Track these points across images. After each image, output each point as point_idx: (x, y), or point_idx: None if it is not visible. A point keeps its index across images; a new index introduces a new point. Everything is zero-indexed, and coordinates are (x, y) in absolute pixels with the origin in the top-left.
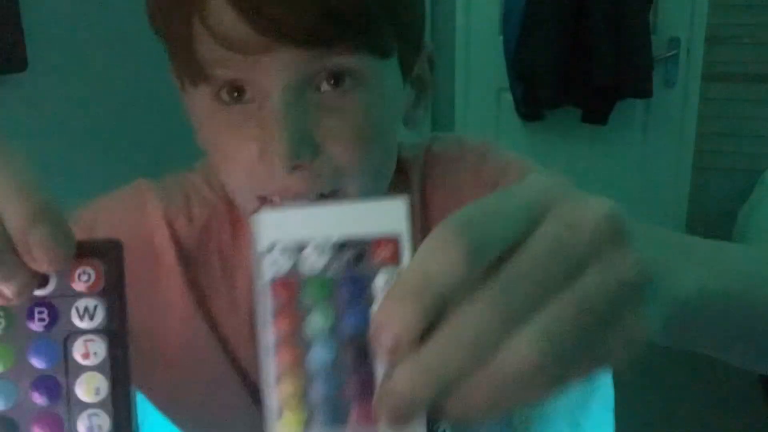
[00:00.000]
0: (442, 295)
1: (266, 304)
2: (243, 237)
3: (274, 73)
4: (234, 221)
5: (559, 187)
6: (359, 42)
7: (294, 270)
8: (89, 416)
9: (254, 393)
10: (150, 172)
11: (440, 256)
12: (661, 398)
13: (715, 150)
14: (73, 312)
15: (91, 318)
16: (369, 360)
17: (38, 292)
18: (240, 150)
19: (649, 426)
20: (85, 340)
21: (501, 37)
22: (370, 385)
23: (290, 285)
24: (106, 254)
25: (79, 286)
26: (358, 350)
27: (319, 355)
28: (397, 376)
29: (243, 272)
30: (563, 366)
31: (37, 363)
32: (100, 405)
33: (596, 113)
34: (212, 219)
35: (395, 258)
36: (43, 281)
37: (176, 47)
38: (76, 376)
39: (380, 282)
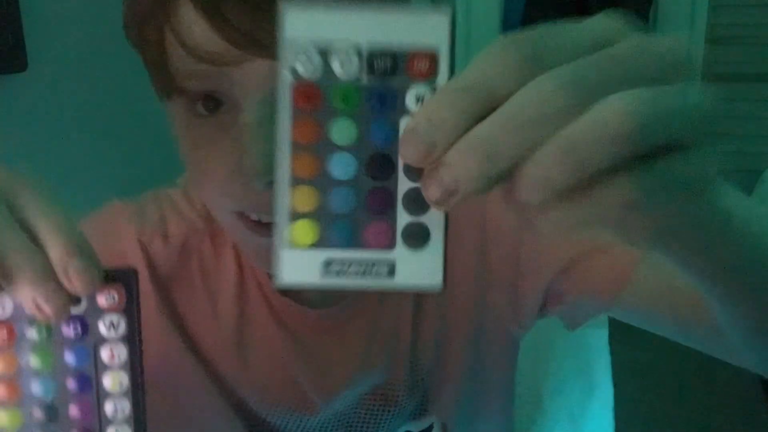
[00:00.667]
0: (494, 94)
1: (286, 106)
2: (225, 252)
3: (248, 84)
4: (214, 236)
5: (630, 27)
6: None
7: (320, 73)
8: (114, 403)
9: (238, 409)
10: (150, 171)
11: (498, 61)
12: (661, 398)
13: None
14: (101, 324)
15: (115, 329)
16: (392, 178)
17: (73, 311)
18: (214, 165)
19: (649, 426)
20: (111, 346)
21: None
22: (388, 205)
23: (315, 89)
24: (125, 279)
25: (105, 304)
26: (380, 167)
27: (338, 167)
28: (451, 154)
29: (226, 287)
30: (645, 132)
31: (73, 363)
32: (122, 395)
33: None
34: (190, 236)
35: (431, 72)
36: (76, 300)
37: (149, 59)
38: (104, 372)
39: (412, 95)
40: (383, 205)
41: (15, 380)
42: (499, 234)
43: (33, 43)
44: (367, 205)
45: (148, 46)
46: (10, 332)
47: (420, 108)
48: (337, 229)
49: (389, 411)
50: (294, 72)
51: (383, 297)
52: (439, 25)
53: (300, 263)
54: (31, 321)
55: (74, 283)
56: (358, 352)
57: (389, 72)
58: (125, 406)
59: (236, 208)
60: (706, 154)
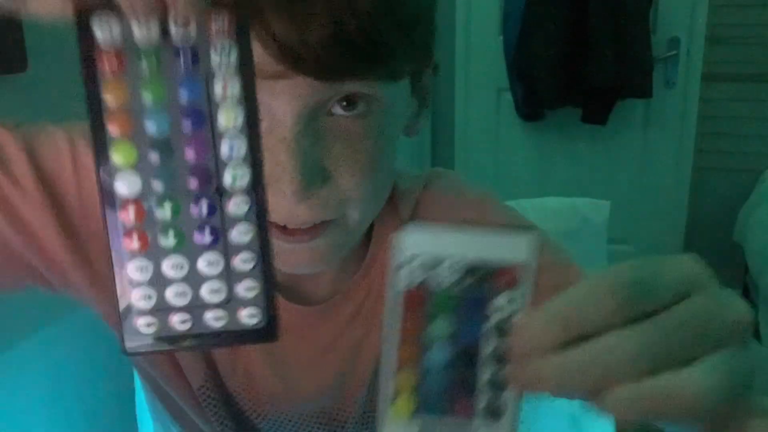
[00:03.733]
0: (585, 327)
1: (396, 308)
2: None
3: (288, 99)
4: None
5: (706, 274)
6: (375, 70)
7: (426, 282)
8: (229, 139)
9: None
10: None
11: (598, 298)
12: None
13: (715, 150)
14: (213, 54)
15: (228, 58)
16: (476, 366)
17: (181, 41)
18: None
19: (649, 426)
20: (224, 77)
21: (501, 37)
22: (473, 386)
23: (421, 294)
24: (231, 4)
25: (214, 29)
26: (468, 356)
27: (435, 356)
28: (541, 365)
29: None
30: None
31: (186, 96)
32: (237, 131)
33: (596, 113)
34: None
35: (515, 284)
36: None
37: None
38: (219, 106)
39: (499, 303)
40: (467, 386)
41: (126, 113)
42: None
43: (33, 43)
44: (455, 386)
45: None
46: (119, 61)
47: (530, 316)
48: (430, 404)
49: None
50: (407, 281)
51: (360, 308)
52: (527, 243)
53: (399, 428)
54: (142, 48)
55: (179, 15)
56: (318, 358)
57: (482, 282)
58: (241, 146)
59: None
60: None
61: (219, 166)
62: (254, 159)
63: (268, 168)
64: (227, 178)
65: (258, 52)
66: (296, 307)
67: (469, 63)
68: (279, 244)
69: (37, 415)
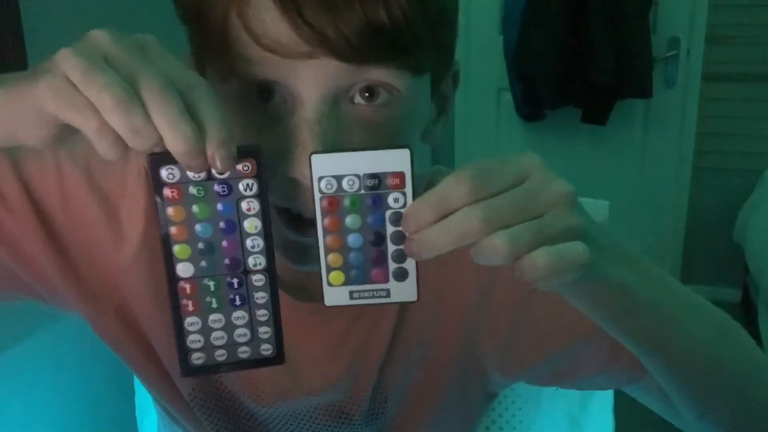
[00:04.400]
0: (447, 208)
1: (320, 210)
2: None
3: (313, 81)
4: None
5: (540, 164)
6: (401, 59)
7: (337, 191)
8: (252, 240)
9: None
10: None
11: (457, 187)
12: None
13: (715, 150)
14: (240, 186)
15: (251, 189)
16: (383, 245)
17: (221, 176)
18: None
19: (649, 426)
20: (248, 201)
21: (501, 37)
22: (383, 259)
23: (335, 199)
24: (255, 154)
25: (242, 172)
26: (377, 239)
27: (353, 240)
28: (424, 232)
29: None
30: (521, 247)
31: (222, 212)
32: (257, 234)
33: (596, 113)
34: None
35: (402, 185)
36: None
37: (208, 39)
38: (245, 219)
39: (391, 199)
40: (379, 259)
41: (184, 224)
42: (504, 303)
43: (33, 43)
44: (371, 260)
45: (208, 27)
46: (179, 192)
47: (410, 206)
48: (355, 274)
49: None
50: (323, 192)
51: (362, 309)
52: (404, 156)
53: (336, 294)
54: (194, 183)
55: (218, 164)
56: (326, 356)
57: (377, 186)
58: (260, 243)
59: (278, 200)
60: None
61: (245, 255)
62: (268, 251)
63: (290, 151)
64: (250, 263)
65: (286, 32)
66: (305, 305)
67: (469, 63)
68: (292, 240)
69: (37, 415)
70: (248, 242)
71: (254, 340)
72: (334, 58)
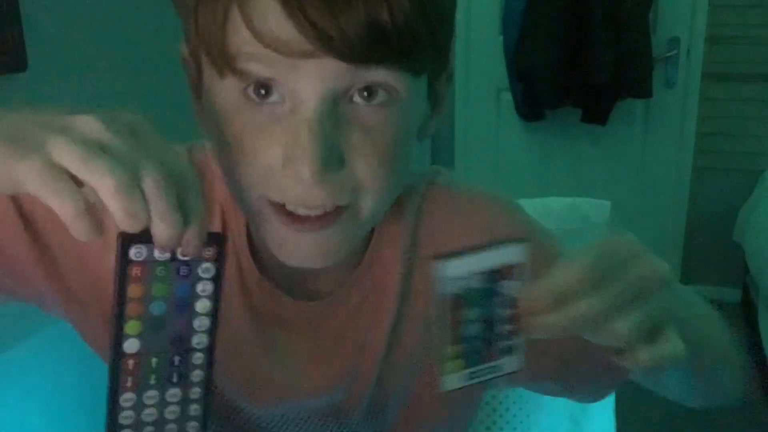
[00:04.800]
0: (572, 298)
1: (442, 309)
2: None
3: (314, 80)
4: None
5: (641, 250)
6: (402, 61)
7: (458, 289)
8: (199, 319)
9: None
10: None
11: (575, 279)
12: (661, 398)
13: (715, 150)
14: (200, 269)
15: (209, 272)
16: (498, 327)
17: (184, 258)
18: (264, 153)
19: (649, 426)
20: (203, 283)
21: (501, 37)
22: (498, 339)
23: (458, 302)
24: (218, 240)
25: (204, 256)
26: (493, 322)
27: (473, 329)
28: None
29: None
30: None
31: (179, 293)
32: (206, 315)
33: (596, 113)
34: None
35: (519, 275)
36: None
37: (207, 35)
38: (197, 299)
39: (507, 286)
40: (496, 340)
41: (140, 302)
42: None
43: (33, 43)
44: (487, 342)
45: (208, 22)
46: (143, 270)
47: (531, 293)
48: (472, 359)
49: None
50: (444, 293)
51: (362, 303)
52: (520, 250)
53: (454, 379)
54: (159, 263)
55: (189, 250)
56: (325, 354)
57: (495, 279)
58: (206, 323)
59: (276, 197)
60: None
61: (191, 334)
62: (212, 330)
63: (288, 150)
64: (194, 341)
65: (288, 30)
66: (299, 303)
67: (469, 63)
68: (288, 235)
69: (37, 415)
70: (196, 322)
71: (182, 418)
72: (336, 58)
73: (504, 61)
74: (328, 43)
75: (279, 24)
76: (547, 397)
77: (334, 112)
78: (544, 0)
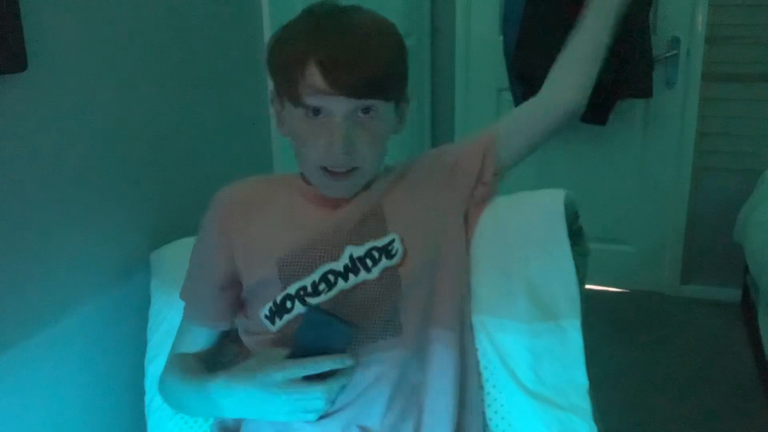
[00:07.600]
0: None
1: None
2: (279, 190)
3: (340, 107)
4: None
5: None
6: (384, 95)
7: None
8: None
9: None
10: (149, 170)
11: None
12: (661, 398)
13: (715, 150)
14: None
15: None
16: None
17: None
18: (316, 143)
19: (649, 426)
20: None
21: (501, 37)
22: None
23: None
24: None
25: None
26: None
27: None
28: None
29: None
30: None
31: None
32: None
33: (596, 113)
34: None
35: None
36: None
37: (287, 83)
38: None
39: None
40: None
41: None
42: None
43: (33, 43)
44: None
45: (289, 78)
46: None
47: None
48: None
49: None
50: None
51: (360, 200)
52: None
53: None
54: None
55: None
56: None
57: None
58: None
59: (324, 164)
60: None
61: None
62: None
63: (328, 140)
64: None
65: (326, 85)
66: (329, 210)
67: (469, 63)
68: (330, 182)
69: (37, 415)
70: None
71: None
72: (350, 97)
73: (504, 61)
74: (345, 90)
75: (321, 82)
76: (531, 413)
77: (350, 121)
78: (544, 0)
